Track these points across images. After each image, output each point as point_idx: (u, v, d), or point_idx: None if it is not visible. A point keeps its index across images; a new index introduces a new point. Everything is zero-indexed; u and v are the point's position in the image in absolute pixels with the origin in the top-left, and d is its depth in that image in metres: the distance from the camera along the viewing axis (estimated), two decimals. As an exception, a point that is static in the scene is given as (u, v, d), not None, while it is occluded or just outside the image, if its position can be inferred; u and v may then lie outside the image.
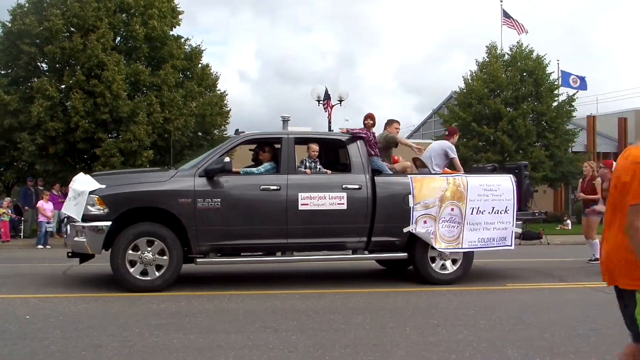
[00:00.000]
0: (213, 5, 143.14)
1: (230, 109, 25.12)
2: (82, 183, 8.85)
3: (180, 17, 24.13)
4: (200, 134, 23.95)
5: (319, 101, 25.06)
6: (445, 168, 10.77)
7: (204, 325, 6.50)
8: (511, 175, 10.03)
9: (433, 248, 9.34)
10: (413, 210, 9.23)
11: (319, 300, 8.13)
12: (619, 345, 5.75)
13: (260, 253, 9.45)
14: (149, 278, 8.51)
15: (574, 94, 31.29)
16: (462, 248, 9.51)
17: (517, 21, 32.72)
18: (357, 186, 9.16)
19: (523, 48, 30.39)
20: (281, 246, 9.21)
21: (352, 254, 9.54)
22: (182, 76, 24.05)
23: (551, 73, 30.58)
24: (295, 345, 5.63)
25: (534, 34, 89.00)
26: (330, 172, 9.47)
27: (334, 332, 6.25)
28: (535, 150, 28.59)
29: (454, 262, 9.65)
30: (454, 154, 10.72)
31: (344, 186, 9.13)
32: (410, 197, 9.24)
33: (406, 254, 9.46)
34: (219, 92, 24.80)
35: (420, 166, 10.75)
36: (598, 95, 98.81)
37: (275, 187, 8.90)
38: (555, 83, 30.87)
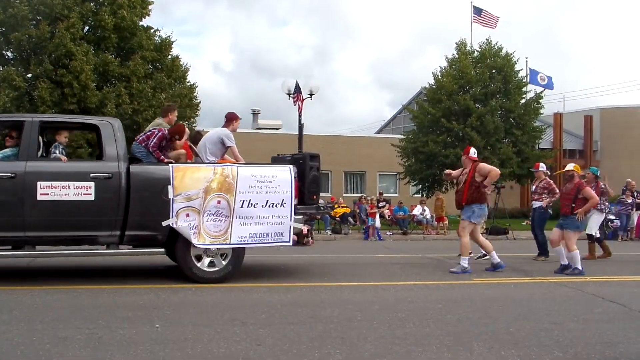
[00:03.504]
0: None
1: (200, 101, 24.99)
2: None
3: (150, 7, 23.90)
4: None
5: (289, 95, 25.03)
6: (227, 157, 9.93)
7: (171, 317, 6.46)
8: (290, 166, 9.27)
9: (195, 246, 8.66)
10: (173, 203, 8.45)
11: (286, 294, 8.13)
12: (582, 339, 5.88)
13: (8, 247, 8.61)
14: None
15: (541, 92, 31.73)
16: (230, 244, 8.73)
17: (490, 14, 33.06)
18: (107, 175, 8.32)
19: (492, 45, 30.68)
20: (19, 239, 8.30)
21: (107, 248, 8.66)
22: (152, 67, 23.82)
23: (519, 70, 30.94)
24: (263, 339, 5.63)
25: (503, 31, 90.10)
26: (66, 159, 8.73)
27: (302, 325, 6.26)
28: (503, 146, 28.94)
29: (222, 258, 8.91)
30: (231, 142, 9.79)
31: (92, 175, 8.28)
32: (170, 187, 8.45)
33: (164, 249, 8.84)
34: (188, 84, 24.63)
35: (196, 155, 9.96)
36: (565, 94, 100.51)
37: (9, 175, 8.04)
38: (524, 80, 31.24)
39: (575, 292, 8.76)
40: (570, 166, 11.56)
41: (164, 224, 8.43)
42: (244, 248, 9.01)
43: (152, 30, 23.96)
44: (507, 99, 29.83)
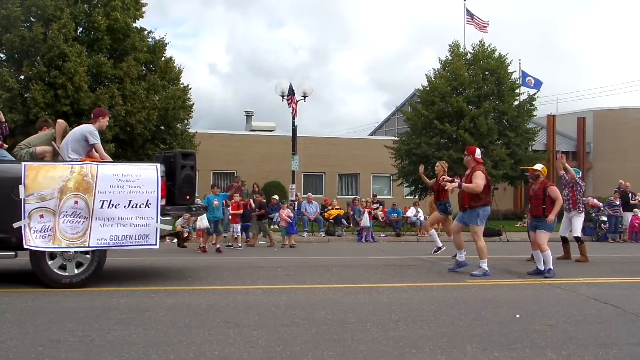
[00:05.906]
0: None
1: (193, 103, 25.00)
2: None
3: (143, 9, 23.91)
4: (162, 127, 23.77)
5: (282, 96, 25.03)
6: (96, 154, 9.38)
7: (165, 320, 6.45)
8: (157, 165, 8.85)
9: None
10: (25, 203, 8.01)
11: (280, 296, 8.13)
12: (575, 340, 5.89)
13: None
14: None
15: (534, 94, 31.83)
16: (89, 247, 8.28)
17: (479, 19, 33.23)
18: None
19: (485, 47, 30.74)
20: None
21: None
22: (145, 69, 23.86)
23: (513, 72, 31.01)
24: (257, 341, 5.63)
25: (497, 33, 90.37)
26: None
27: (295, 327, 6.25)
28: (496, 148, 28.98)
29: (81, 262, 8.47)
30: (95, 139, 9.24)
31: None
32: (22, 187, 8.01)
33: (14, 252, 8.21)
34: (182, 85, 24.64)
35: (57, 154, 9.39)
36: (558, 96, 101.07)
37: None
38: (517, 82, 31.31)
39: (568, 294, 8.78)
40: (539, 166, 11.53)
41: (16, 225, 8.00)
42: (105, 251, 8.63)
43: (145, 32, 23.97)
44: (500, 101, 29.89)
